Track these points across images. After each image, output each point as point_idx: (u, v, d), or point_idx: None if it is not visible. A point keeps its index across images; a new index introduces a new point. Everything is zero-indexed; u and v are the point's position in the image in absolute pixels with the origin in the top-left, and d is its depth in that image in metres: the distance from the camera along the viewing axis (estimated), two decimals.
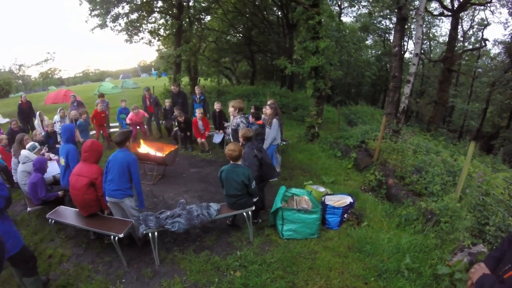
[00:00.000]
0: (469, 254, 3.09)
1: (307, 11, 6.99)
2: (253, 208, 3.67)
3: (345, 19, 26.06)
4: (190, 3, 13.15)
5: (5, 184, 2.59)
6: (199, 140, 7.04)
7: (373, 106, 18.46)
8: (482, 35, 18.40)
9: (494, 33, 58.57)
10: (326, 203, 4.02)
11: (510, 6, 13.97)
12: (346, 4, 19.77)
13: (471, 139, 10.22)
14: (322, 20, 7.14)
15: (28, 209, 3.98)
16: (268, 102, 6.07)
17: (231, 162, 3.56)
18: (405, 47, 21.34)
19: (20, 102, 8.54)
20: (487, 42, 17.27)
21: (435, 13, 17.39)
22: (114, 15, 11.10)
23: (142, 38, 12.95)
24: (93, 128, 7.87)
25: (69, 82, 48.26)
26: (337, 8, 19.74)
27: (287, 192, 4.12)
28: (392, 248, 3.39)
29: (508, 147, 13.24)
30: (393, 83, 7.73)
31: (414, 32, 13.02)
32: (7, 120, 11.57)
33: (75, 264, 3.37)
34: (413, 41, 16.43)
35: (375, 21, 21.88)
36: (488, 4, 15.02)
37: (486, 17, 17.80)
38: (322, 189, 4.68)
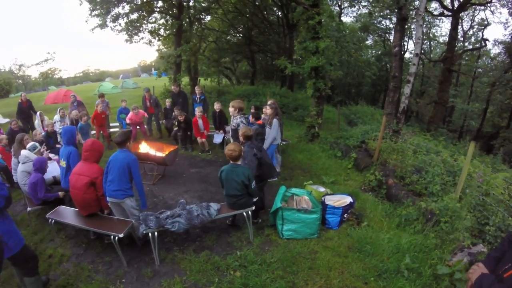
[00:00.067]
0: (469, 254, 3.09)
1: (307, 11, 6.99)
2: (253, 208, 3.68)
3: (345, 19, 26.15)
4: (190, 3, 13.14)
5: (5, 184, 2.59)
6: (199, 140, 7.04)
7: (373, 106, 18.45)
8: (482, 35, 18.42)
9: (494, 33, 58.80)
10: (326, 203, 4.02)
11: (510, 6, 13.96)
12: (346, 4, 19.80)
13: (471, 139, 10.20)
14: (322, 20, 7.14)
15: (28, 209, 3.98)
16: (268, 102, 6.06)
17: (231, 162, 3.56)
18: (405, 47, 21.38)
19: (20, 101, 8.55)
20: (487, 42, 17.30)
21: (435, 13, 17.40)
22: (114, 15, 11.08)
23: (142, 38, 12.93)
24: (93, 129, 7.88)
25: (69, 82, 48.30)
26: (337, 8, 19.77)
27: (287, 192, 4.13)
28: (392, 248, 3.39)
29: (508, 147, 13.23)
30: (393, 83, 7.73)
31: (414, 32, 13.00)
32: (7, 120, 11.56)
33: (75, 264, 3.38)
34: (413, 41, 16.40)
35: (375, 21, 21.89)
36: (488, 4, 15.02)
37: (486, 17, 17.85)
38: (322, 189, 4.68)
